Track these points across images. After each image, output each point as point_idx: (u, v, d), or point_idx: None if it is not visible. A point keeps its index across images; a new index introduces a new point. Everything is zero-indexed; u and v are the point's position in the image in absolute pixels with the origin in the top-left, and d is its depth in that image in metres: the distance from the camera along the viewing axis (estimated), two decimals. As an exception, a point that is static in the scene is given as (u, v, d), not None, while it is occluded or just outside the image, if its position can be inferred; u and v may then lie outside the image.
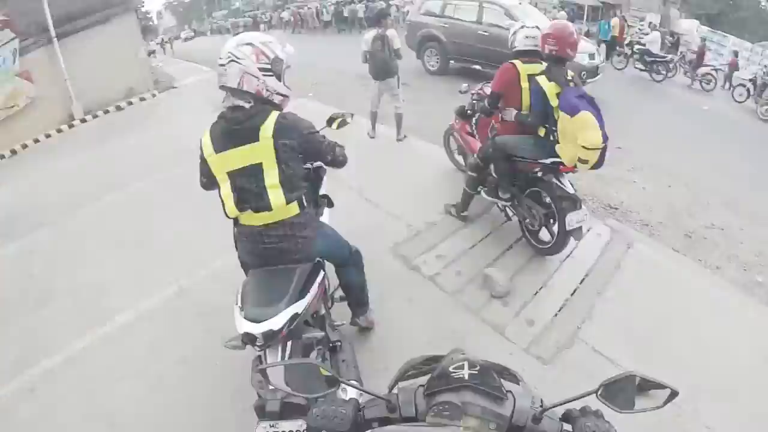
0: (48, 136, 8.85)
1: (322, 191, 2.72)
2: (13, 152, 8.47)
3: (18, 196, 6.31)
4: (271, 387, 1.79)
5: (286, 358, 1.98)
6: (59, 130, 8.98)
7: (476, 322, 3.21)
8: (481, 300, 3.38)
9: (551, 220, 3.59)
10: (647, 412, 1.01)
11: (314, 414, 1.04)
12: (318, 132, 2.27)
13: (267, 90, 2.09)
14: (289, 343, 2.01)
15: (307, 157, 2.26)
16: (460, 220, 4.18)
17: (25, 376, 3.05)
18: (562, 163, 3.29)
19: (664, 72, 12.36)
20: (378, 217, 4.36)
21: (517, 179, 3.70)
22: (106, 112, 9.40)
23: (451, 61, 10.15)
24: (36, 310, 3.72)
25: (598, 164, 3.11)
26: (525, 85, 3.46)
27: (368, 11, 18.75)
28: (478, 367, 1.01)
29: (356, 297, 2.80)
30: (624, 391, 1.02)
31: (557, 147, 3.25)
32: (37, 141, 8.72)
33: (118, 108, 9.52)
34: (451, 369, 1.02)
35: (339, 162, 2.42)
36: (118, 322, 3.43)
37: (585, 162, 3.07)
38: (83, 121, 9.21)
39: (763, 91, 11.68)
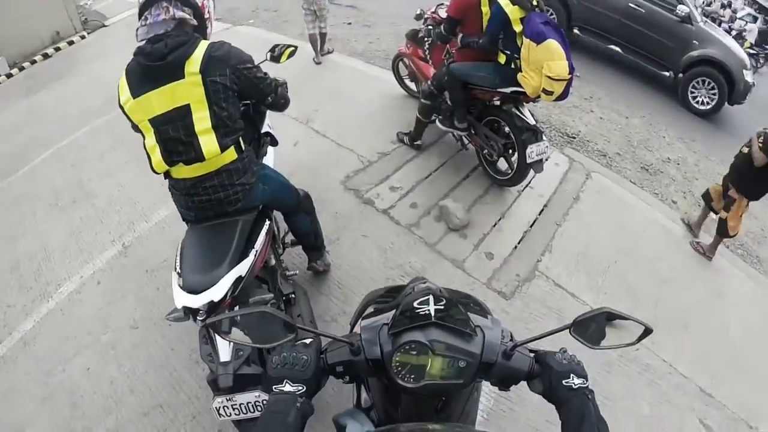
0: (-29, 95, 8.06)
1: (263, 129, 2.46)
2: (-64, 118, 7.72)
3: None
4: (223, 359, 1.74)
5: (231, 350, 1.78)
6: (-17, 88, 8.18)
7: (434, 256, 3.14)
8: (438, 233, 3.29)
9: (510, 151, 3.47)
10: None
11: (274, 363, 0.97)
12: (257, 66, 1.96)
13: (179, 17, 1.76)
14: (236, 309, 1.82)
15: (243, 96, 1.94)
16: (414, 149, 4.02)
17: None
18: (523, 93, 3.11)
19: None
20: (327, 148, 4.13)
21: (474, 107, 3.53)
22: (33, 62, 8.53)
23: (576, 31, 7.49)
24: None
25: (562, 96, 2.96)
26: (485, 9, 3.18)
27: None
28: (444, 302, 0.97)
29: (310, 243, 2.62)
30: (596, 327, 1.00)
31: (519, 76, 3.03)
32: (-41, 102, 7.94)
33: (45, 56, 8.63)
34: (416, 304, 0.97)
35: (281, 105, 2.16)
36: (64, 293, 3.26)
37: (549, 93, 2.89)
38: (9, 76, 8.35)
39: None
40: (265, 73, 2.00)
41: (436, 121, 3.79)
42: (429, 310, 0.96)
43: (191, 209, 1.99)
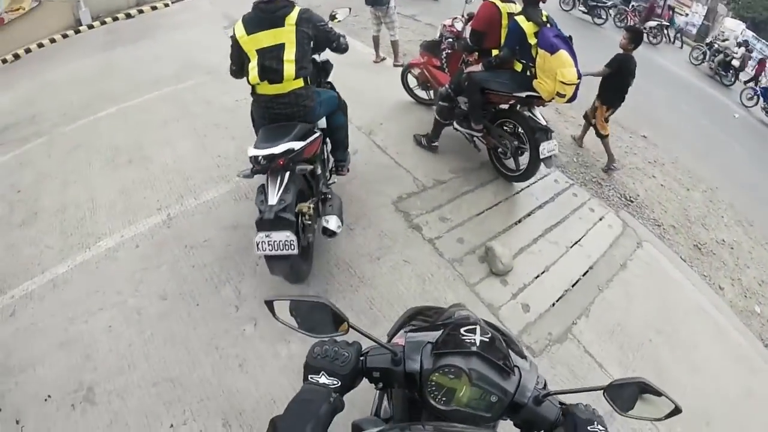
0: (53, 41, 8.44)
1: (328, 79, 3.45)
2: (16, 57, 8.12)
3: (16, 104, 6.08)
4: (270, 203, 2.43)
5: (283, 187, 2.50)
6: (65, 36, 8.55)
7: (471, 297, 3.04)
8: (479, 274, 3.19)
9: (520, 150, 3.81)
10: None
11: (315, 353, 1.00)
12: (327, 24, 2.85)
13: None
14: (287, 174, 2.53)
15: (318, 42, 2.82)
16: (430, 151, 4.30)
17: (6, 299, 2.98)
18: (537, 97, 3.49)
19: (604, 17, 12.75)
20: (385, 164, 4.10)
21: (487, 111, 3.88)
22: (115, 19, 8.92)
23: None
24: (21, 228, 3.63)
25: (572, 98, 3.39)
26: (505, 23, 3.59)
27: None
28: (489, 335, 1.00)
29: (342, 139, 3.25)
30: (629, 395, 1.01)
31: (534, 82, 3.43)
32: (41, 46, 8.33)
33: (128, 15, 9.01)
34: (462, 331, 1.00)
35: (342, 48, 3.02)
36: (102, 247, 3.33)
37: (562, 96, 3.31)
38: (90, 27, 8.76)
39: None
40: (332, 29, 2.90)
41: (454, 123, 4.11)
42: (475, 339, 0.99)
43: (265, 118, 2.81)
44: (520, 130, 3.73)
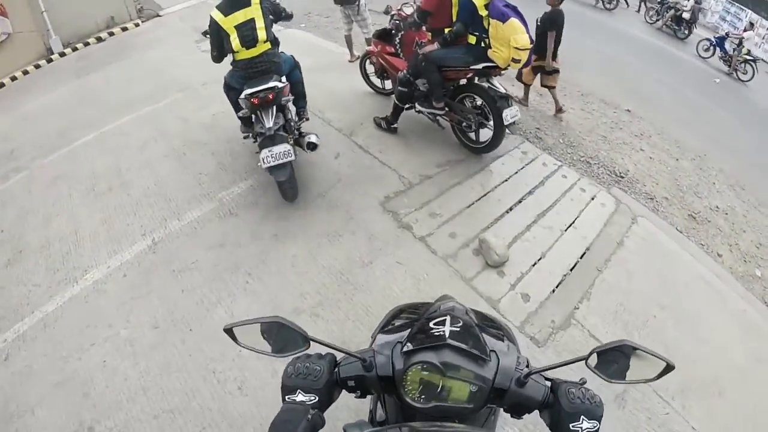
0: (26, 72, 8.27)
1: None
2: (-11, 90, 7.96)
3: (-5, 139, 5.94)
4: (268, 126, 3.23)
5: (275, 115, 3.29)
6: (37, 66, 8.37)
7: (469, 292, 2.97)
8: (475, 268, 3.13)
9: (484, 120, 3.90)
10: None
11: (288, 373, 0.99)
12: (279, 3, 3.67)
13: None
14: (275, 106, 3.31)
15: (274, 14, 3.58)
16: (390, 132, 4.41)
17: (-1, 343, 2.91)
18: (494, 67, 3.65)
19: None
20: (369, 165, 4.04)
21: (446, 89, 3.98)
22: (86, 44, 8.74)
23: None
24: (7, 268, 3.55)
25: (527, 63, 3.70)
26: (455, 1, 3.71)
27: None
28: (460, 323, 0.98)
29: (300, 90, 3.93)
30: (616, 360, 0.97)
31: (489, 52, 3.59)
32: (14, 79, 8.16)
33: (99, 39, 8.84)
34: (432, 324, 0.98)
35: (289, 17, 3.83)
36: (89, 280, 3.26)
37: (517, 61, 3.50)
38: (62, 54, 8.58)
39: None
40: (279, 4, 3.66)
41: (416, 105, 4.23)
42: (444, 330, 0.97)
43: (245, 78, 3.47)
44: (479, 101, 3.87)
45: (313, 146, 3.61)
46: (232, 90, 3.63)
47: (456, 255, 3.18)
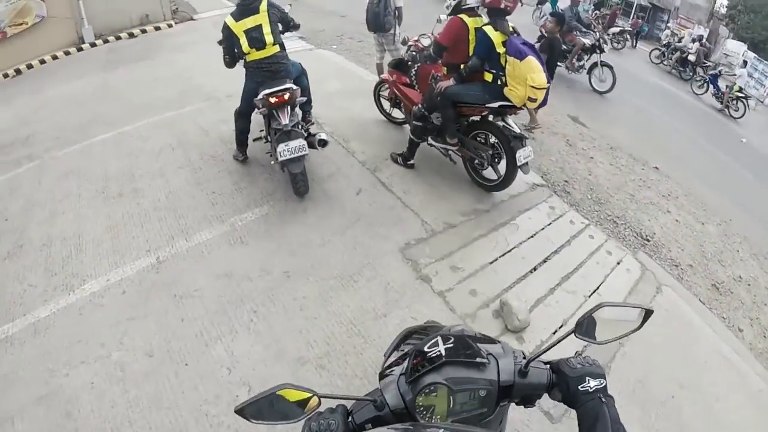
0: (55, 57, 8.31)
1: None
2: (18, 72, 7.97)
3: (13, 122, 5.91)
4: (284, 122, 3.50)
5: (290, 113, 3.56)
6: (67, 53, 8.41)
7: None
8: (493, 331, 2.92)
9: (496, 159, 3.89)
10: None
11: None
12: (287, 12, 3.90)
13: None
14: (289, 106, 3.55)
15: (282, 22, 3.84)
16: (407, 168, 4.33)
17: (-13, 342, 2.76)
18: (510, 106, 3.60)
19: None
20: (391, 205, 3.86)
21: (460, 124, 3.97)
22: (118, 38, 8.78)
23: None
24: (5, 261, 3.44)
25: (543, 103, 3.54)
26: (473, 36, 3.69)
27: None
28: (452, 340, 1.02)
29: (308, 94, 4.22)
30: (599, 323, 1.03)
31: (505, 90, 3.53)
32: (43, 62, 8.19)
33: (131, 35, 8.88)
34: (426, 349, 1.02)
35: (296, 26, 4.05)
36: (86, 291, 3.10)
37: (534, 101, 3.42)
38: (93, 45, 8.62)
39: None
40: (287, 14, 3.90)
41: (428, 138, 4.18)
42: (439, 350, 1.00)
43: (259, 77, 3.72)
44: (493, 139, 3.84)
45: (323, 143, 3.79)
46: (242, 117, 4.00)
47: (475, 315, 2.98)
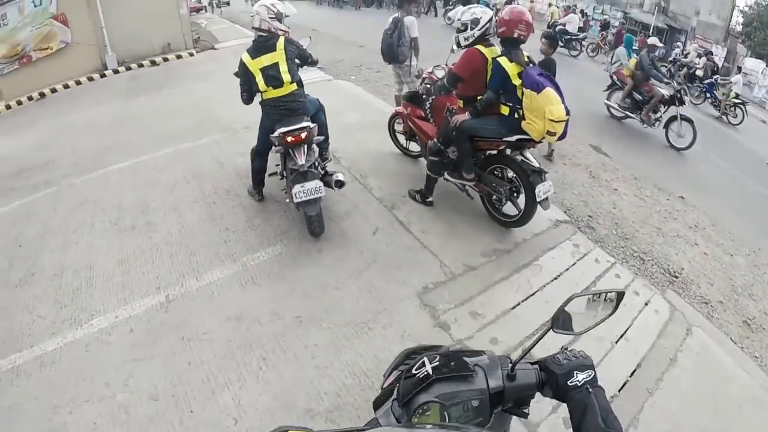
0: (78, 83, 8.56)
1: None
2: (42, 95, 8.22)
3: (35, 145, 6.07)
4: (300, 163, 3.42)
5: (307, 153, 3.47)
6: (90, 78, 8.68)
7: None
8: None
9: (515, 194, 3.76)
10: None
11: None
12: (305, 48, 3.84)
13: (273, 28, 3.66)
14: (306, 145, 3.49)
15: (300, 58, 3.76)
16: (426, 206, 4.19)
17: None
18: (528, 140, 3.48)
19: (579, 49, 14.25)
20: (408, 246, 3.73)
21: (477, 158, 3.86)
22: (140, 65, 9.02)
23: None
24: (16, 289, 3.46)
25: (563, 135, 3.38)
26: (490, 67, 3.56)
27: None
28: (438, 358, 1.04)
29: (325, 131, 4.14)
30: (574, 315, 1.08)
31: (523, 124, 3.40)
32: (66, 87, 8.45)
33: (153, 63, 9.12)
34: (414, 371, 1.03)
35: (314, 62, 3.97)
36: (94, 327, 3.04)
37: (552, 134, 3.28)
38: (115, 71, 8.87)
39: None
40: (306, 50, 3.84)
41: (445, 174, 4.04)
42: (426, 370, 1.01)
43: (275, 115, 3.64)
44: (511, 173, 3.70)
45: (340, 184, 3.74)
46: (259, 156, 3.94)
47: (496, 366, 2.82)
